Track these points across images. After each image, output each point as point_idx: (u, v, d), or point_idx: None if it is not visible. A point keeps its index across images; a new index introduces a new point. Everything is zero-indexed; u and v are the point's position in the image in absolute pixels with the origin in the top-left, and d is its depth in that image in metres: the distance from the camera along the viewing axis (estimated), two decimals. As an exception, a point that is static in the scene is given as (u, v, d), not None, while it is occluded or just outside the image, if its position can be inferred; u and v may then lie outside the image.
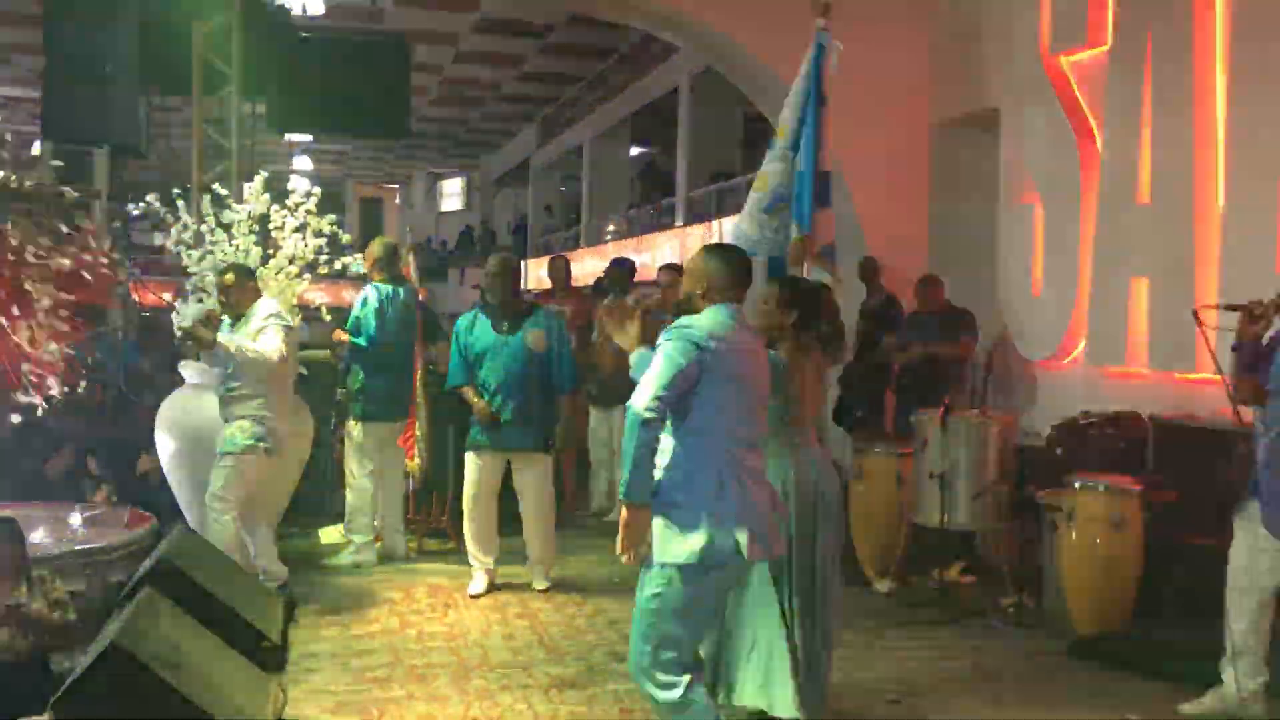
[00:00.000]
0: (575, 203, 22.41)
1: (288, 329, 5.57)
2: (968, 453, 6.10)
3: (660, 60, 16.14)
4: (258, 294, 5.70)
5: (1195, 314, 4.44)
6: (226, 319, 5.67)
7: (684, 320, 3.56)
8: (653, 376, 3.45)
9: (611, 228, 20.12)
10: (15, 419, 5.12)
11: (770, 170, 5.29)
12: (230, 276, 5.65)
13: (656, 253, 15.38)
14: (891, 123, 8.85)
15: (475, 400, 6.04)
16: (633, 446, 3.42)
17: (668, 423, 3.50)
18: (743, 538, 3.43)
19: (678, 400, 3.45)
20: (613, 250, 16.96)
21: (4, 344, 4.75)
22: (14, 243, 4.73)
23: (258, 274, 6.33)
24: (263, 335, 5.46)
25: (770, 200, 5.20)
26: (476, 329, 6.09)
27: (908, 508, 6.32)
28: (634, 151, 21.12)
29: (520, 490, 6.21)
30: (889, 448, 6.51)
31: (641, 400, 3.42)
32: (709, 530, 3.42)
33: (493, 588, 6.18)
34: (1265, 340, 4.30)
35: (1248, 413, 4.41)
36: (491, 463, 6.11)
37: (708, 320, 3.55)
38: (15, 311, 4.65)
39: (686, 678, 3.47)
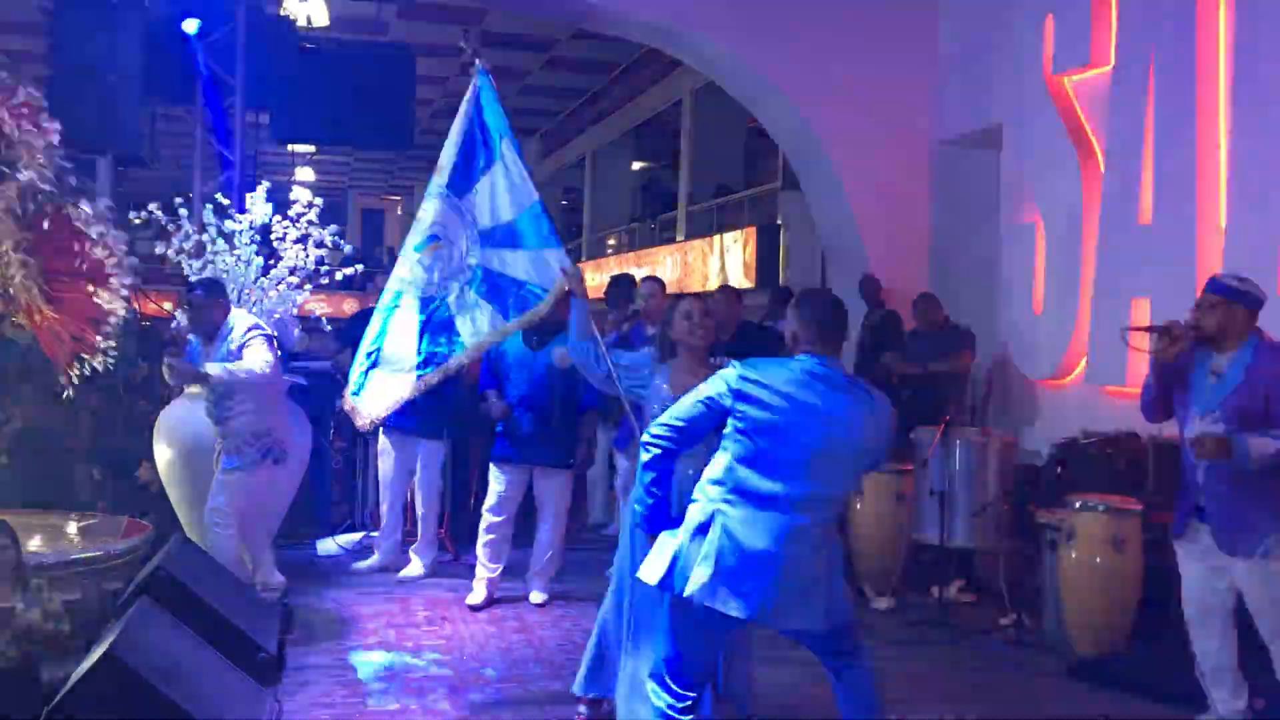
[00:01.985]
0: (577, 216, 22.44)
1: (269, 339, 5.57)
2: (967, 471, 6.09)
3: (662, 75, 16.18)
4: (227, 310, 5.69)
5: (1123, 334, 4.56)
6: (192, 337, 5.67)
7: (750, 361, 3.44)
8: (678, 404, 3.46)
9: (612, 242, 20.16)
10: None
11: (426, 209, 5.04)
12: (200, 294, 5.61)
13: (658, 268, 15.38)
14: (895, 140, 8.88)
15: (495, 401, 6.09)
16: (640, 475, 3.45)
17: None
18: (697, 581, 3.30)
19: (694, 434, 3.42)
20: (614, 264, 16.99)
21: (83, 309, 4.81)
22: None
23: (258, 284, 6.34)
24: (248, 351, 5.46)
25: (424, 239, 4.96)
26: (507, 340, 6.10)
27: (907, 525, 6.31)
28: (636, 166, 21.16)
29: (540, 503, 6.24)
30: (888, 465, 6.49)
31: (654, 426, 3.44)
32: (683, 560, 3.35)
33: (490, 601, 6.17)
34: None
35: (1167, 428, 4.51)
36: (513, 475, 6.12)
37: (760, 366, 3.41)
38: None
39: (662, 702, 3.45)
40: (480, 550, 6.18)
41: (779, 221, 13.00)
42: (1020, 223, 7.90)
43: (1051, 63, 7.51)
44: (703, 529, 3.36)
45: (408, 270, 4.97)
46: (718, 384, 3.39)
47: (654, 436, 3.42)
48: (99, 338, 4.91)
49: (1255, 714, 4.43)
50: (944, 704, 4.90)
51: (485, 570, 6.17)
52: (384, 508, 6.97)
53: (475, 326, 4.90)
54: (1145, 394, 4.58)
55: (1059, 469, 6.26)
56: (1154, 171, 6.60)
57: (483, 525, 6.17)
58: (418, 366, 4.90)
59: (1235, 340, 4.28)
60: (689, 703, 3.47)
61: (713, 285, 13.52)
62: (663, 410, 4.42)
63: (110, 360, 5.08)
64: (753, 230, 13.18)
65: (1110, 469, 6.04)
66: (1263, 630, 4.25)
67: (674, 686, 3.47)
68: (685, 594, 3.31)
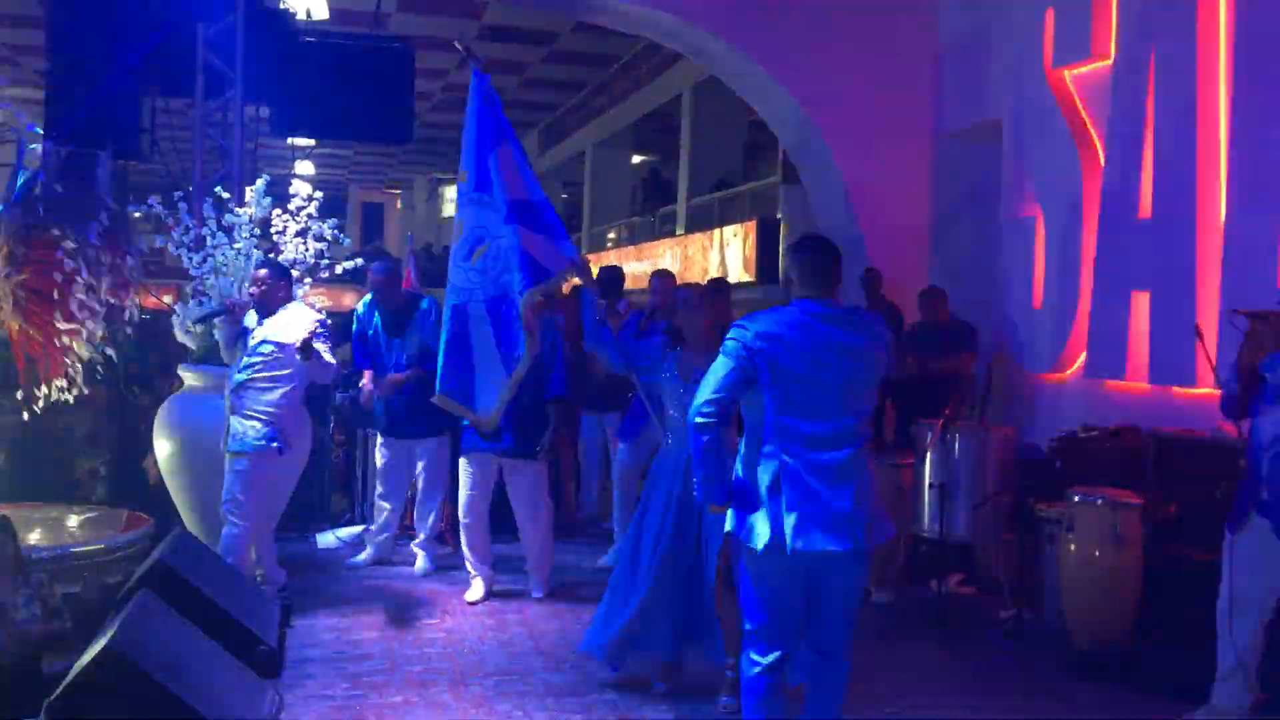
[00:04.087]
0: (577, 210, 22.41)
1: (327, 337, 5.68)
2: (967, 464, 6.09)
3: (662, 68, 16.17)
4: (291, 296, 5.76)
5: (1239, 316, 4.45)
6: (253, 312, 5.71)
7: (740, 320, 3.59)
8: (706, 380, 3.55)
9: (612, 235, 20.15)
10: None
11: (463, 216, 5.19)
12: (267, 273, 5.70)
13: (658, 261, 15.37)
14: (895, 134, 8.88)
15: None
16: (695, 452, 3.57)
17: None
18: (789, 530, 3.45)
19: (734, 401, 3.53)
20: (614, 258, 16.98)
21: (49, 334, 4.86)
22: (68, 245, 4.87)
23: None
24: (325, 353, 5.54)
25: (468, 246, 5.10)
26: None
27: (907, 518, 6.31)
28: (636, 159, 21.14)
29: (513, 497, 6.20)
30: (888, 458, 6.50)
31: (694, 405, 3.54)
32: (769, 522, 3.48)
33: (490, 595, 6.17)
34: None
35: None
36: (483, 468, 6.11)
37: (764, 320, 3.56)
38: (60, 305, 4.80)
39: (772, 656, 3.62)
40: (465, 551, 6.19)
41: (779, 215, 12.99)
42: (1020, 216, 7.90)
43: (1052, 56, 7.50)
44: (774, 486, 3.49)
45: (463, 280, 5.07)
46: (732, 349, 3.52)
47: (702, 414, 3.50)
48: (61, 366, 4.96)
49: (1253, 703, 4.43)
50: (943, 697, 4.91)
51: (474, 570, 6.18)
52: (380, 506, 6.95)
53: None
54: (1229, 391, 4.50)
55: (1058, 462, 6.26)
56: (1154, 165, 6.60)
57: (460, 525, 6.20)
58: (504, 366, 5.12)
59: None
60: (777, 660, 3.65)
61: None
62: (675, 396, 4.63)
63: (80, 387, 5.14)
64: (753, 224, 13.17)
65: (1110, 462, 6.05)
66: None
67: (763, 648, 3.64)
68: (782, 549, 3.44)
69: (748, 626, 3.68)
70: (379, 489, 6.95)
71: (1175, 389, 6.28)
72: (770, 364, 3.48)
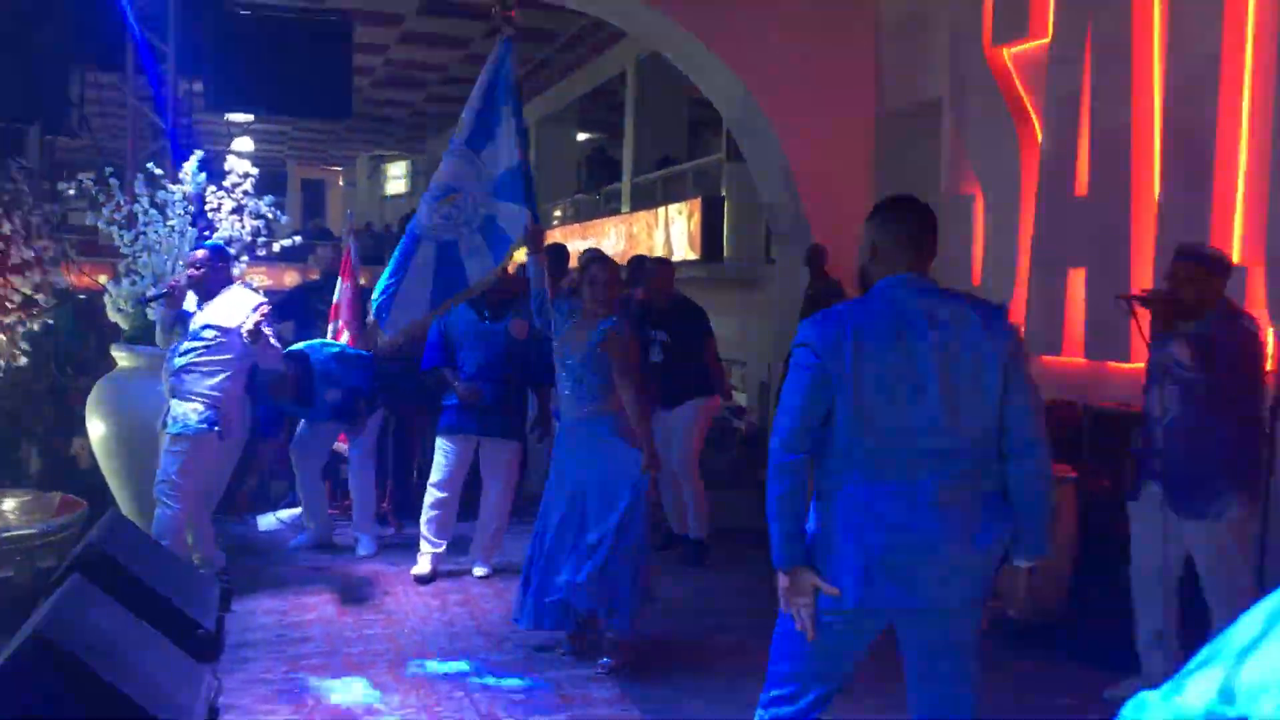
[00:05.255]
0: (521, 187, 22.27)
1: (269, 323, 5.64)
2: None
3: (607, 45, 16.07)
4: (230, 279, 5.67)
5: (1123, 300, 4.53)
6: (192, 295, 5.62)
7: (815, 314, 2.85)
8: (782, 406, 2.77)
9: (558, 214, 20.04)
10: None
11: (445, 164, 5.34)
12: (205, 255, 5.60)
13: (603, 240, 15.33)
14: (837, 112, 8.89)
15: (457, 382, 6.02)
16: (774, 498, 2.73)
17: None
18: (851, 579, 2.74)
19: (821, 424, 2.72)
20: (559, 236, 16.90)
21: None
22: None
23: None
24: (271, 339, 5.54)
25: (441, 191, 5.26)
26: (455, 313, 6.05)
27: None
28: (580, 137, 21.02)
29: (487, 476, 6.23)
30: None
31: (776, 438, 2.73)
32: (829, 567, 2.76)
33: (435, 574, 6.14)
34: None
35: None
36: (461, 447, 6.10)
37: (835, 310, 2.83)
38: None
39: None
40: (424, 526, 6.13)
41: (723, 193, 12.99)
42: (960, 194, 7.96)
43: (991, 34, 7.56)
44: (840, 520, 2.74)
45: (427, 218, 5.24)
46: (798, 355, 2.75)
47: (785, 453, 2.71)
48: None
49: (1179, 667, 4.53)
50: (877, 669, 4.95)
51: (430, 546, 6.13)
52: (301, 488, 6.87)
53: (479, 267, 5.23)
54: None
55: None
56: (1090, 143, 6.68)
57: (427, 500, 6.13)
58: (429, 303, 5.25)
59: (1207, 308, 4.28)
60: None
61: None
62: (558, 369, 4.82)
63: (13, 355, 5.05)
64: (697, 202, 13.15)
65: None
66: (1208, 590, 4.30)
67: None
68: (840, 602, 2.76)
69: (776, 668, 2.97)
70: (296, 470, 6.86)
71: (1110, 363, 6.38)
72: (840, 359, 2.68)
